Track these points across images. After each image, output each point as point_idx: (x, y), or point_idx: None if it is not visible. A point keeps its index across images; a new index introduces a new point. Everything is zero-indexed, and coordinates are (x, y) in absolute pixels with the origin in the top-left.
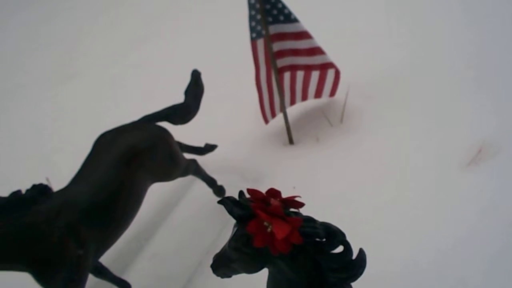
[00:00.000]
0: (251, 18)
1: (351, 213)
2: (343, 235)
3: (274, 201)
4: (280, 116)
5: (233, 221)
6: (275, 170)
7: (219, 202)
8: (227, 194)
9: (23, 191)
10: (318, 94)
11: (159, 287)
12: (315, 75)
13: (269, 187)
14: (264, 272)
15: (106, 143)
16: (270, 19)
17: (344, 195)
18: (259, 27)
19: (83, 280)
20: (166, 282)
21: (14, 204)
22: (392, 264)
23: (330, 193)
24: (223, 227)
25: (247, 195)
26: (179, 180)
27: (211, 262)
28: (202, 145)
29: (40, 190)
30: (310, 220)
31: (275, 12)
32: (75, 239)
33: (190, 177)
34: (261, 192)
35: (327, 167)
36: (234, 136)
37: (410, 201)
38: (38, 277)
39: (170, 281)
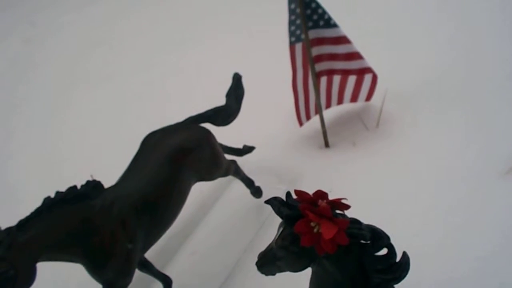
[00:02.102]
0: (291, 23)
1: (388, 218)
2: (388, 238)
3: (322, 203)
4: (315, 119)
5: (270, 221)
6: (311, 173)
7: (266, 202)
8: (264, 195)
9: (78, 187)
10: (354, 99)
11: (199, 283)
12: (351, 79)
13: (305, 189)
14: (303, 273)
15: (154, 142)
16: (310, 24)
17: (380, 200)
18: (298, 32)
19: (131, 273)
20: (206, 279)
21: (70, 198)
22: (431, 271)
23: (366, 198)
24: (260, 227)
25: (294, 196)
26: (218, 180)
27: (249, 261)
28: (240, 146)
29: (94, 186)
30: (356, 222)
31: (315, 17)
32: (125, 233)
33: (228, 177)
34: (308, 194)
35: (363, 171)
36: (270, 138)
37: (448, 208)
38: (90, 268)
39: (210, 278)
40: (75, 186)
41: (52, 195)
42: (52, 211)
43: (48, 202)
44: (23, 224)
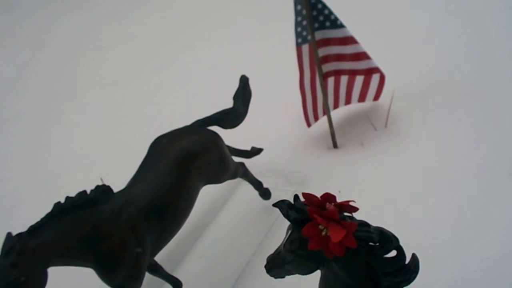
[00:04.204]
0: (297, 24)
1: (397, 219)
2: (396, 240)
3: (329, 206)
4: (323, 120)
5: (280, 223)
6: (320, 174)
7: (274, 205)
8: (272, 197)
9: (88, 192)
10: (361, 98)
11: (208, 286)
12: (359, 79)
13: (314, 190)
14: (313, 275)
15: (162, 146)
16: (317, 25)
17: (389, 201)
18: (304, 33)
19: (141, 276)
20: (215, 282)
21: (80, 203)
22: (440, 273)
23: (375, 198)
24: (269, 229)
25: (302, 199)
26: (226, 182)
27: (258, 263)
28: (248, 148)
29: (103, 191)
30: (364, 224)
31: (321, 18)
32: (134, 237)
33: (236, 180)
34: (316, 197)
35: (372, 171)
36: (278, 140)
37: (457, 208)
38: (100, 272)
39: (219, 281)
40: (85, 191)
41: (62, 200)
42: (63, 216)
43: (58, 208)
44: (34, 229)
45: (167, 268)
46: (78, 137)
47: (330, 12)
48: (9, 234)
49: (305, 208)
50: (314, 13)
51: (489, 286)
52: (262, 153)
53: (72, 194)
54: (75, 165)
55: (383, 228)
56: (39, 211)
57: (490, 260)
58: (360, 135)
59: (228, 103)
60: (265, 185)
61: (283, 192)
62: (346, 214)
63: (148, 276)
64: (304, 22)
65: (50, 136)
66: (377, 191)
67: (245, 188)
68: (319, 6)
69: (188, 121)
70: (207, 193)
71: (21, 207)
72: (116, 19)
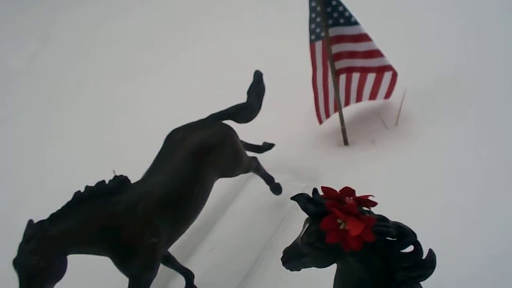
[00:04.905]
0: (311, 20)
1: (406, 217)
2: (414, 235)
3: (349, 200)
4: (334, 117)
5: (290, 218)
6: (331, 170)
7: (292, 198)
8: (283, 192)
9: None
10: (373, 96)
11: (220, 278)
12: (371, 77)
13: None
14: (323, 270)
15: (178, 139)
16: (331, 21)
17: (399, 199)
18: (318, 30)
19: (156, 267)
20: (226, 274)
21: (99, 193)
22: (448, 269)
23: (385, 196)
24: (280, 224)
25: (321, 193)
26: (237, 176)
27: (269, 257)
28: (260, 143)
29: (121, 181)
30: (383, 219)
31: (335, 15)
32: (150, 228)
33: (247, 174)
34: (335, 191)
35: (382, 169)
36: (290, 136)
37: (463, 207)
38: (117, 262)
39: (230, 274)
40: (103, 181)
41: (82, 190)
42: (82, 205)
43: (78, 196)
44: (55, 217)
45: (179, 260)
46: (90, 131)
47: (345, 9)
48: (30, 221)
49: (323, 202)
50: (329, 9)
51: (496, 284)
52: (273, 149)
53: (87, 185)
54: (85, 158)
55: (401, 223)
56: (54, 200)
57: (497, 258)
58: (371, 132)
59: (240, 98)
60: (276, 180)
61: (294, 187)
62: (364, 209)
63: (160, 267)
64: (318, 19)
65: (59, 130)
66: (386, 188)
67: (256, 183)
68: (334, 2)
69: (198, 116)
70: (219, 187)
71: (37, 196)
72: (124, 15)
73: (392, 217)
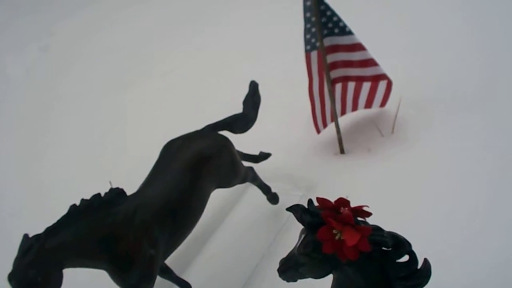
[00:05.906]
0: (306, 31)
1: (403, 224)
2: (409, 245)
3: (344, 210)
4: (330, 126)
5: (288, 228)
6: (327, 179)
7: (288, 209)
8: (280, 201)
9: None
10: (368, 105)
11: None
12: (366, 86)
13: (321, 195)
14: (321, 280)
15: (174, 150)
16: (325, 31)
17: (396, 206)
18: (313, 40)
19: (154, 278)
20: (224, 285)
21: (95, 205)
22: (449, 277)
23: (383, 204)
24: (277, 234)
25: (316, 204)
26: (234, 186)
27: (266, 266)
28: (256, 153)
29: (118, 193)
30: (378, 229)
31: (330, 25)
32: (148, 239)
33: (244, 184)
34: (330, 201)
35: (379, 177)
36: (286, 145)
37: (465, 214)
38: (114, 273)
39: (228, 284)
40: (99, 194)
41: (77, 203)
42: (78, 218)
43: (74, 210)
44: (51, 231)
45: (176, 270)
46: (87, 141)
47: (339, 19)
48: (26, 236)
49: (319, 212)
50: (323, 19)
51: None
52: (270, 158)
53: (84, 197)
54: (84, 168)
55: (396, 233)
56: (50, 212)
57: (500, 266)
58: (367, 141)
59: (237, 109)
60: (273, 190)
61: (291, 196)
62: (359, 219)
63: (157, 279)
64: (313, 29)
65: (58, 139)
66: (384, 196)
67: (254, 193)
68: (328, 13)
69: (194, 127)
70: (216, 198)
71: (32, 209)
72: (123, 24)
73: (389, 225)
